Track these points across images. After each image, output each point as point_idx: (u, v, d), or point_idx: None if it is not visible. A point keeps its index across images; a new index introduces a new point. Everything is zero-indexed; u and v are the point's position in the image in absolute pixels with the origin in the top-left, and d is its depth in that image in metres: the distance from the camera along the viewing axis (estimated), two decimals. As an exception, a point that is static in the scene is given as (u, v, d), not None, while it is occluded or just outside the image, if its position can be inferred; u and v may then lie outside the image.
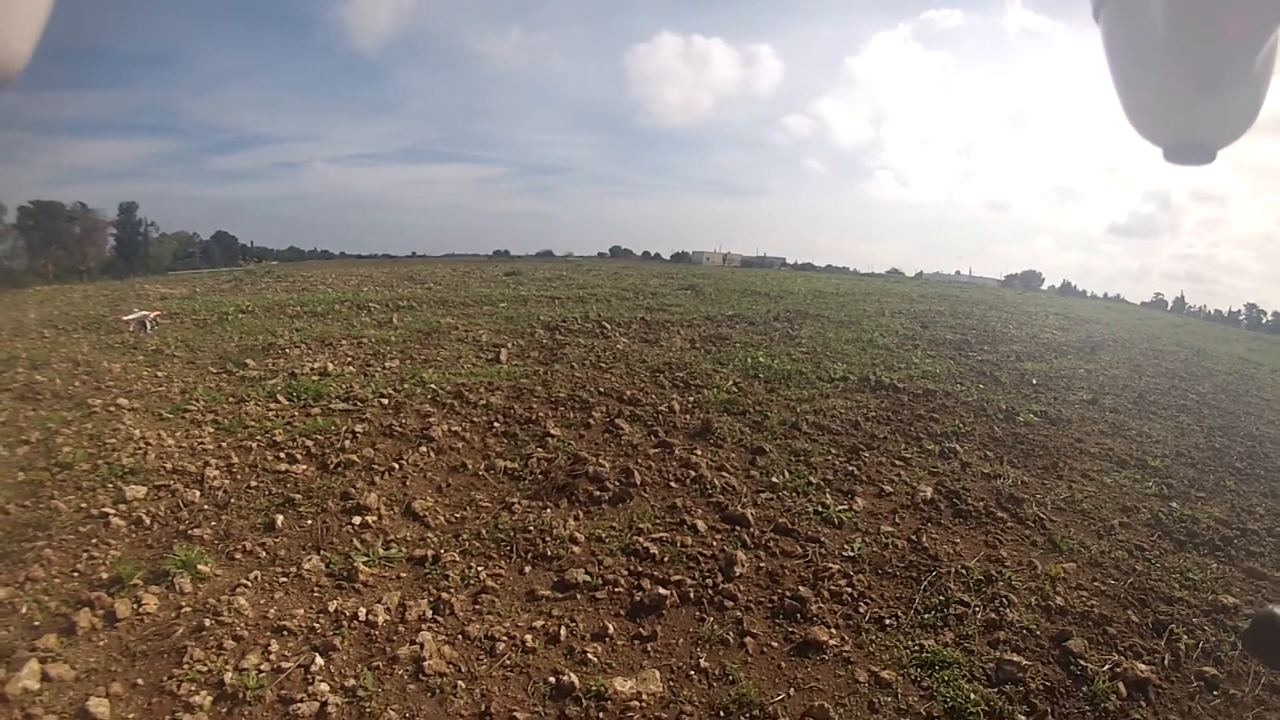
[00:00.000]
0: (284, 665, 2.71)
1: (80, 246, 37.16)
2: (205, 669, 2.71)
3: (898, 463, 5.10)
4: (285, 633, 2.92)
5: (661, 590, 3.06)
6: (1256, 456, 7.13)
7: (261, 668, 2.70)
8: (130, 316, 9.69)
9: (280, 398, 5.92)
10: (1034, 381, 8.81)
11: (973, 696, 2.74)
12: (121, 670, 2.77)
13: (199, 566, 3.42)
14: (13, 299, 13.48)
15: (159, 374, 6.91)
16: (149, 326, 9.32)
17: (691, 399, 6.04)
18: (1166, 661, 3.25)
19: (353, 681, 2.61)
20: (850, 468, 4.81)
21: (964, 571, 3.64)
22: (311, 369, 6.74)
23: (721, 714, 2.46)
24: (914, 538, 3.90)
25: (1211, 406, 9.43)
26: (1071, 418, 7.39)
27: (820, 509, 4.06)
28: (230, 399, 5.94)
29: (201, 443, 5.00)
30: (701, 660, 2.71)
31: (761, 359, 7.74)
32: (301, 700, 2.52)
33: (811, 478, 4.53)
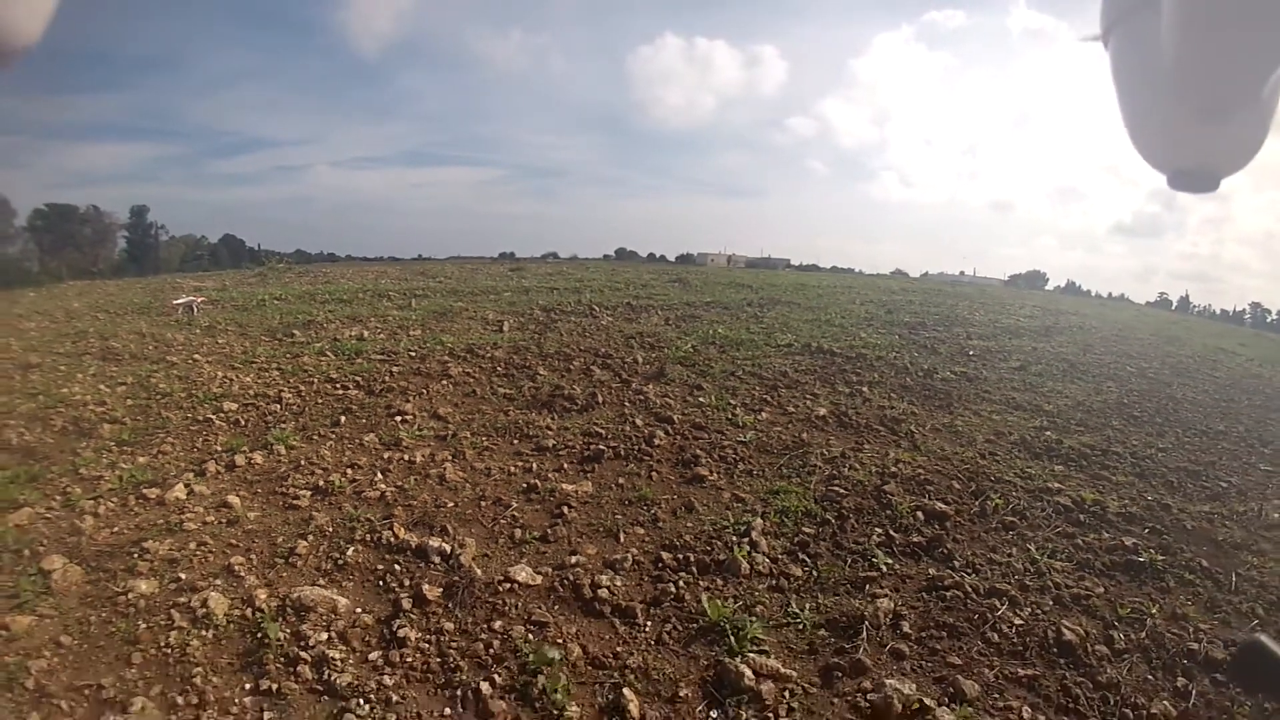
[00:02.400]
0: (357, 478, 4.62)
1: (92, 248, 40.07)
2: (304, 482, 4.58)
3: (809, 396, 6.94)
4: (356, 467, 4.82)
5: (602, 448, 5.00)
6: (1162, 410, 8.38)
7: (342, 481, 4.58)
8: (179, 301, 11.69)
9: (328, 354, 7.91)
10: (970, 353, 10.37)
11: (798, 506, 4.44)
12: (245, 488, 4.53)
13: (290, 441, 5.33)
14: (50, 292, 15.26)
15: (219, 341, 8.90)
16: (196, 310, 11.34)
17: (654, 355, 8.00)
18: (973, 510, 4.56)
19: (400, 485, 4.52)
20: (766, 397, 6.70)
21: (825, 453, 5.36)
22: (349, 335, 8.78)
23: (626, 503, 4.33)
24: (797, 435, 5.71)
25: (1145, 377, 10.62)
26: (990, 378, 8.82)
27: (731, 417, 5.95)
28: (287, 355, 7.93)
29: (273, 379, 6.95)
30: (620, 480, 4.61)
31: (720, 330, 9.70)
32: (369, 490, 4.43)
33: (732, 400, 6.43)
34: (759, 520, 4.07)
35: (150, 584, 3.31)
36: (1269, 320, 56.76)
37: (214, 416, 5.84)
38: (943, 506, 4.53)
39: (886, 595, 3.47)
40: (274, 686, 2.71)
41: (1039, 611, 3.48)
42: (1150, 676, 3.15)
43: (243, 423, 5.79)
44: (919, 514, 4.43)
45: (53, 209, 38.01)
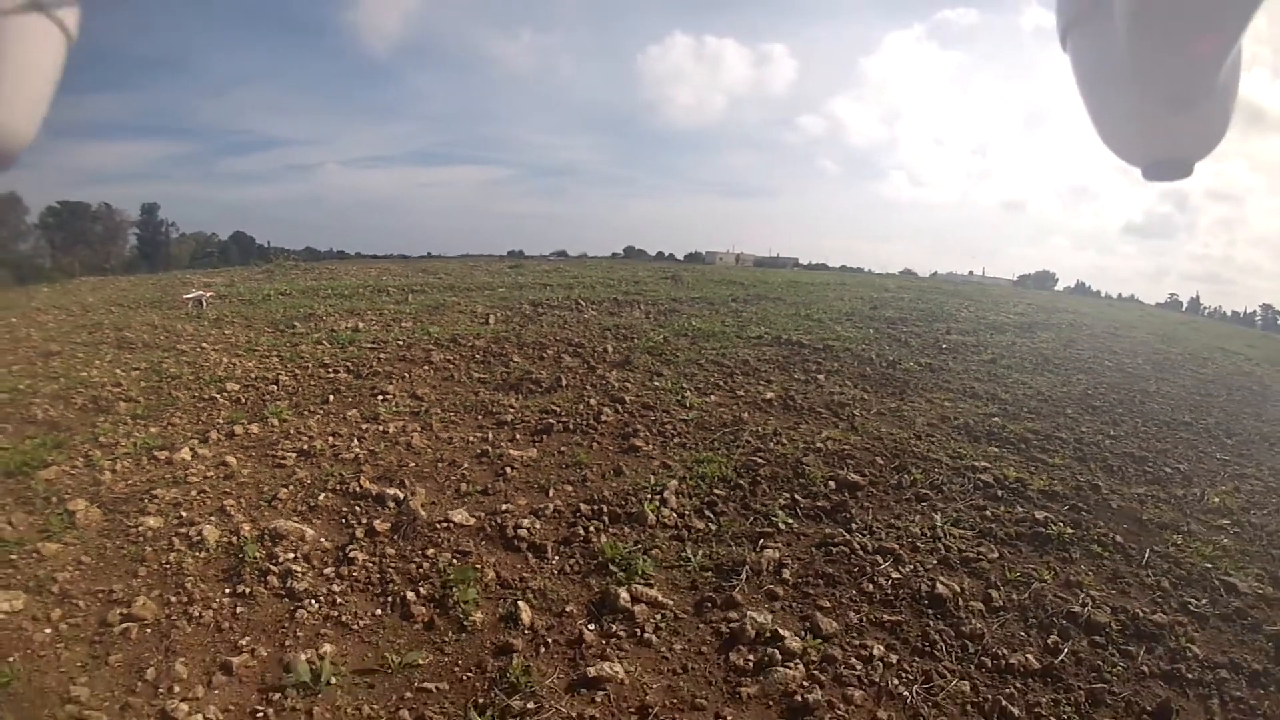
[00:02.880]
0: (336, 444, 5.36)
1: (103, 245, 41.78)
2: (291, 447, 5.31)
3: (763, 383, 7.56)
4: (337, 435, 5.55)
5: (553, 422, 5.70)
6: (1127, 402, 8.75)
7: (324, 446, 5.33)
8: (188, 295, 12.57)
9: (325, 343, 8.70)
10: (944, 346, 10.77)
11: (716, 473, 4.87)
12: (241, 452, 5.28)
13: (283, 415, 6.08)
14: (63, 288, 16.23)
15: (226, 332, 9.74)
16: (205, 304, 12.21)
17: (624, 345, 8.69)
18: (889, 482, 4.95)
19: (372, 449, 5.25)
20: (720, 382, 7.35)
21: (759, 430, 5.94)
22: (346, 327, 9.58)
23: (563, 466, 4.99)
24: (738, 415, 6.33)
25: (1123, 371, 11.07)
26: (955, 369, 9.24)
27: (680, 399, 6.60)
28: (287, 344, 8.73)
29: (272, 365, 7.74)
30: (563, 449, 5.28)
31: (695, 323, 10.37)
32: (345, 453, 5.15)
33: (686, 385, 7.09)
34: (674, 482, 4.70)
35: (157, 520, 4.08)
36: (1279, 323, 55.96)
37: (218, 395, 6.62)
38: (856, 477, 4.97)
39: (776, 548, 3.97)
40: (247, 590, 3.47)
41: (921, 569, 3.86)
42: (1022, 633, 3.40)
43: (243, 401, 6.56)
44: (831, 483, 4.87)
45: (65, 206, 39.85)
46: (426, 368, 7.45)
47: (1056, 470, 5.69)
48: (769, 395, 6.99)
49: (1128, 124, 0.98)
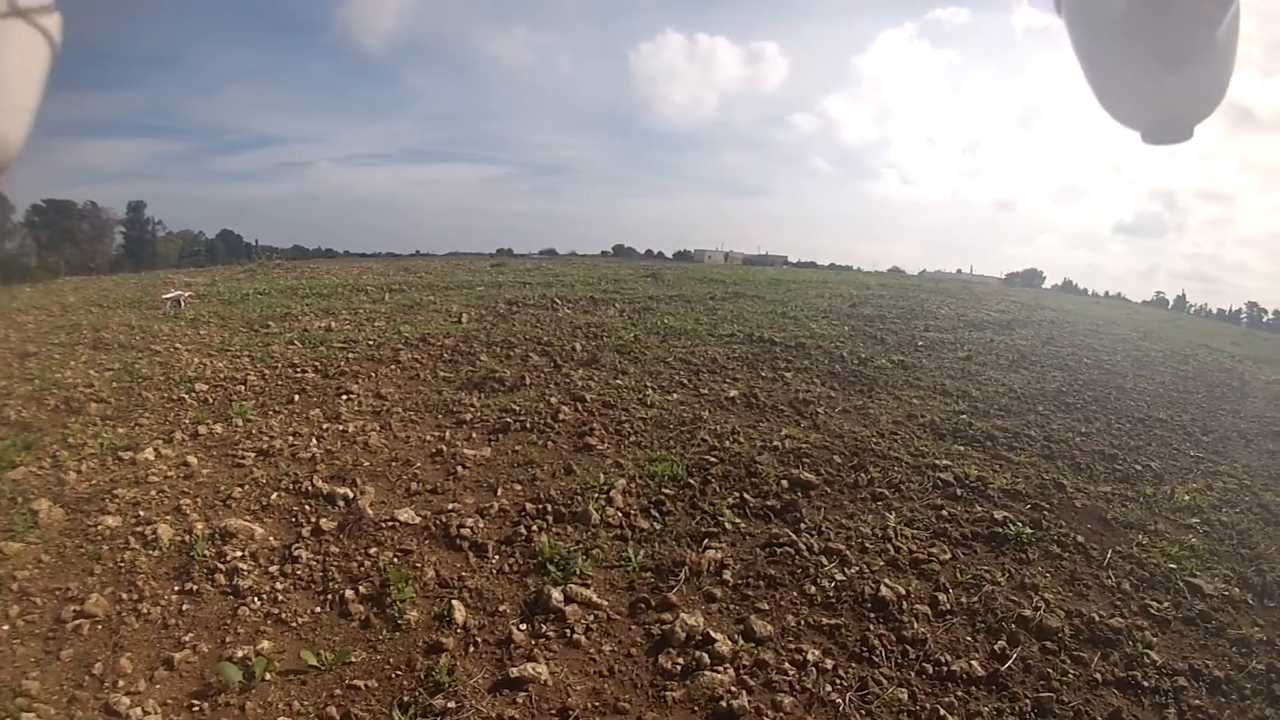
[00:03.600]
0: (295, 443, 5.42)
1: (90, 244, 41.61)
2: (252, 446, 5.37)
3: (728, 380, 7.62)
4: (297, 435, 5.59)
5: (511, 421, 5.77)
6: (1101, 399, 8.69)
7: (283, 446, 5.39)
8: (167, 295, 12.59)
9: (296, 343, 8.75)
10: (919, 344, 10.80)
11: (667, 472, 4.83)
12: (203, 451, 5.31)
13: (248, 415, 6.14)
14: (47, 288, 16.25)
15: (201, 332, 9.79)
16: (183, 303, 12.23)
17: (593, 343, 8.75)
18: (844, 481, 4.92)
19: (329, 449, 5.31)
20: (684, 380, 7.42)
21: (717, 429, 5.93)
22: (319, 326, 9.63)
23: (514, 465, 5.03)
24: (699, 413, 6.35)
25: (1100, 368, 11.03)
26: (928, 366, 9.21)
27: (642, 397, 6.66)
28: (259, 344, 8.78)
29: (242, 365, 7.79)
30: (517, 448, 5.33)
31: (668, 321, 10.44)
32: (303, 453, 5.20)
33: (649, 383, 7.17)
34: (624, 481, 4.75)
35: (116, 520, 4.14)
36: (1265, 320, 56.61)
37: (186, 396, 6.68)
38: (811, 476, 4.90)
39: (720, 548, 3.96)
40: (195, 588, 3.55)
41: (867, 571, 3.81)
42: (968, 638, 3.31)
43: (210, 401, 6.61)
44: (784, 482, 4.82)
45: (50, 205, 39.64)
46: (394, 367, 7.52)
47: (1021, 468, 5.65)
48: (732, 393, 7.05)
49: (1125, 85, 0.97)
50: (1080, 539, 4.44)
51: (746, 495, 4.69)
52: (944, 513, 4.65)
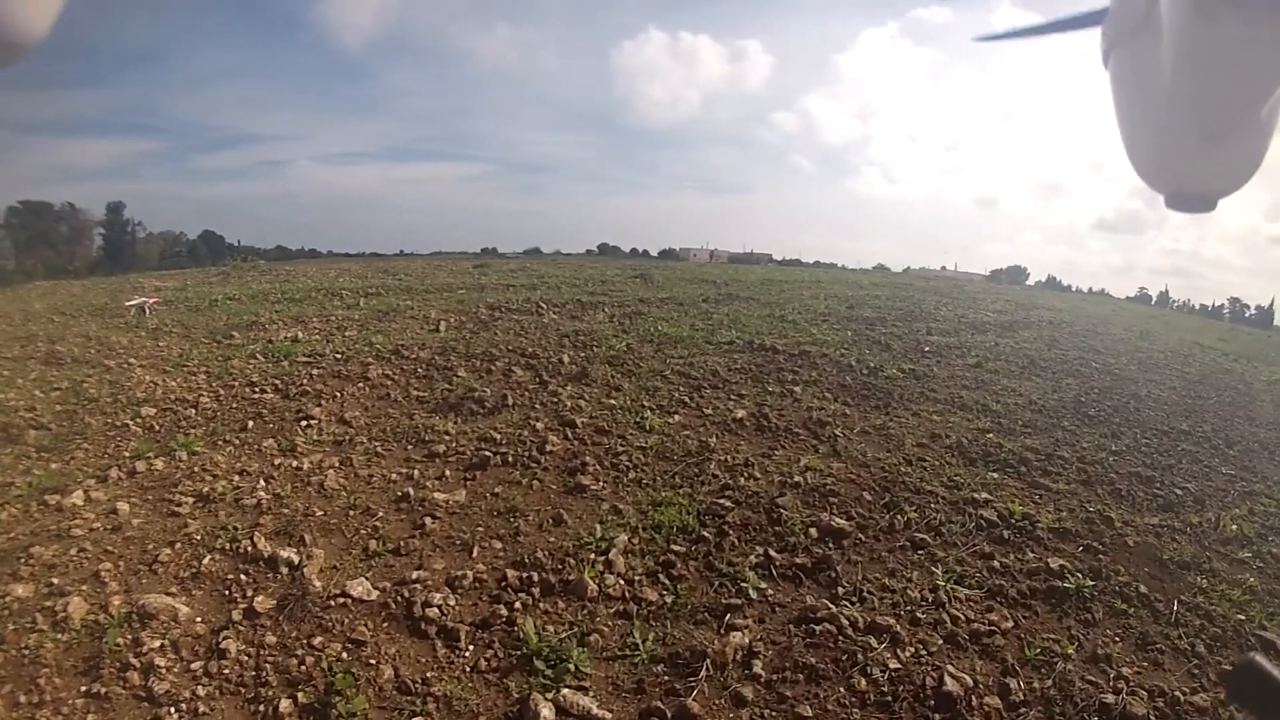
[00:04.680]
0: (241, 485, 4.62)
1: (68, 246, 40.01)
2: (192, 489, 4.57)
3: (734, 397, 6.91)
4: (245, 474, 4.81)
5: (490, 454, 4.97)
6: (1122, 409, 8.21)
7: (226, 488, 4.58)
8: (131, 302, 11.74)
9: (259, 356, 7.92)
10: (926, 349, 10.16)
11: (676, 520, 4.14)
12: (138, 494, 4.54)
13: (194, 447, 5.33)
14: (15, 293, 15.32)
15: (160, 344, 8.92)
16: (148, 311, 11.34)
17: (583, 354, 7.98)
18: (879, 525, 4.29)
19: (278, 492, 4.51)
20: (685, 398, 6.67)
21: (728, 460, 5.21)
22: (285, 337, 8.78)
23: (494, 514, 4.25)
24: (704, 440, 5.59)
25: (1111, 373, 10.55)
26: (940, 375, 8.64)
27: (640, 420, 5.91)
28: (219, 358, 7.94)
29: (197, 384, 6.96)
30: (498, 490, 4.54)
31: (662, 327, 9.67)
32: (248, 498, 4.40)
33: (647, 402, 6.41)
34: (624, 536, 3.95)
35: (27, 588, 3.41)
36: (1247, 315, 57.32)
37: (131, 422, 5.88)
38: (841, 522, 4.24)
39: (746, 627, 3.24)
40: (103, 690, 2.78)
41: (923, 653, 3.18)
42: None
43: (157, 428, 5.81)
44: (812, 530, 4.16)
45: (27, 206, 37.84)
46: (362, 385, 6.71)
47: (1063, 499, 5.14)
48: (739, 414, 6.32)
49: (1158, 151, 0.93)
50: (1142, 588, 3.96)
51: (771, 551, 3.96)
52: (995, 563, 4.08)
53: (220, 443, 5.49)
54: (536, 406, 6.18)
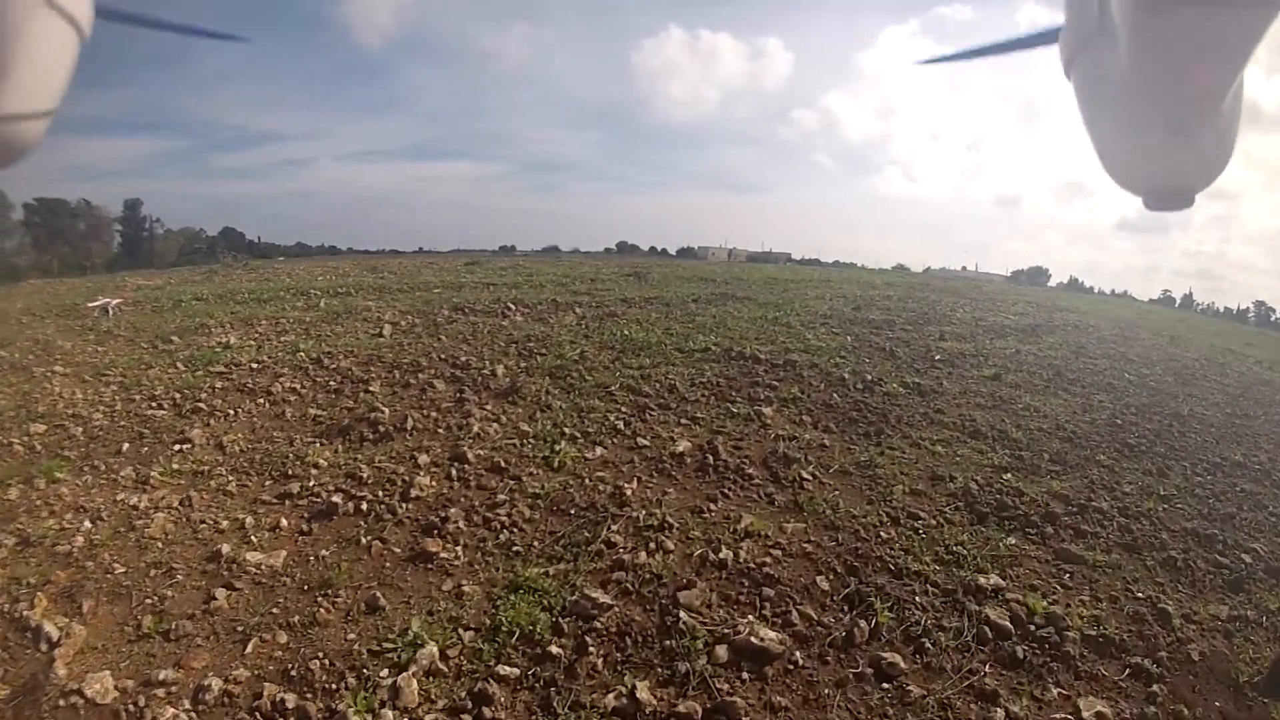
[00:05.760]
0: (67, 528, 4.07)
1: (85, 243, 40.82)
2: (19, 528, 4.04)
3: (683, 422, 5.92)
4: (80, 511, 4.29)
5: (336, 500, 4.28)
6: (1165, 435, 6.96)
7: (51, 530, 4.03)
8: (95, 304, 11.51)
9: (179, 364, 7.44)
10: (937, 357, 9.06)
11: (524, 622, 3.16)
12: None
13: (56, 474, 4.80)
14: (6, 292, 15.34)
15: (99, 349, 8.58)
16: (110, 312, 11.07)
17: (523, 364, 7.24)
18: (827, 638, 3.17)
19: (98, 537, 3.96)
20: (621, 423, 5.77)
21: (640, 518, 4.13)
22: (217, 343, 8.29)
23: (303, 589, 3.54)
24: (621, 486, 4.58)
25: (1146, 387, 9.29)
26: (951, 390, 7.46)
27: (550, 455, 5.05)
28: (141, 366, 7.49)
29: (102, 397, 6.49)
30: (326, 552, 3.86)
31: (630, 331, 8.86)
32: (64, 544, 3.87)
33: (570, 429, 5.58)
34: (433, 648, 3.02)
35: None
36: (1273, 319, 54.15)
37: (15, 441, 5.51)
38: (769, 636, 3.02)
39: None
40: None
41: None
42: None
43: (38, 448, 5.43)
44: (719, 650, 3.00)
45: (43, 203, 38.39)
46: (262, 400, 6.15)
47: (1101, 579, 3.95)
48: (681, 447, 5.30)
49: (1130, 152, 0.94)
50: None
51: (644, 686, 2.78)
52: (1001, 713, 2.82)
53: (86, 469, 5.04)
54: (438, 432, 5.47)
